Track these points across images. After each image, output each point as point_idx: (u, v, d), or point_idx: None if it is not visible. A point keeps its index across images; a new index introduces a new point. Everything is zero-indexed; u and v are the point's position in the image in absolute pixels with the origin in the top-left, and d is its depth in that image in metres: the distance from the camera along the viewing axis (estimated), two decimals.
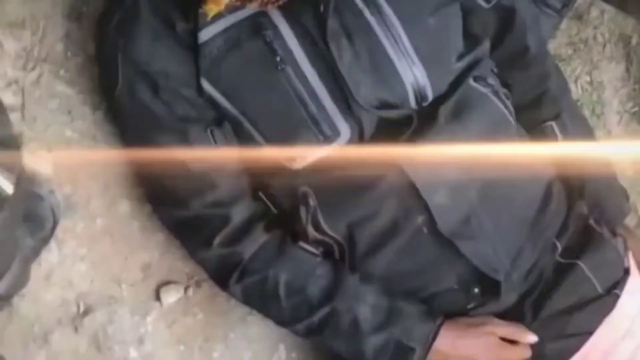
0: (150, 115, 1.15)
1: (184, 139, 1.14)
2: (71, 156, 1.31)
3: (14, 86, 1.29)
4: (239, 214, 1.17)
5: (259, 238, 1.18)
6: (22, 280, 1.22)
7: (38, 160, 1.29)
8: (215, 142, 1.14)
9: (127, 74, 1.14)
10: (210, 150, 1.14)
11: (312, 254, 1.18)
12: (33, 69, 1.30)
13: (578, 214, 1.27)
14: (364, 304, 1.18)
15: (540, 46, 1.30)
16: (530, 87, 1.29)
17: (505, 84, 1.26)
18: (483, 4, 1.21)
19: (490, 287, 1.18)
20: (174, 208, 1.20)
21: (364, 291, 1.18)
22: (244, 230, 1.18)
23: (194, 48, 1.11)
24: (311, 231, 1.17)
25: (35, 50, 1.30)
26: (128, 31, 1.13)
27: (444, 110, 1.14)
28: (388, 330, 1.17)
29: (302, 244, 1.18)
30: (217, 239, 1.17)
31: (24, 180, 0.88)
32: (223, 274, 1.20)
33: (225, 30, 1.10)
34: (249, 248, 1.17)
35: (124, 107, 1.18)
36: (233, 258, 1.18)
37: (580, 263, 1.22)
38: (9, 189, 0.84)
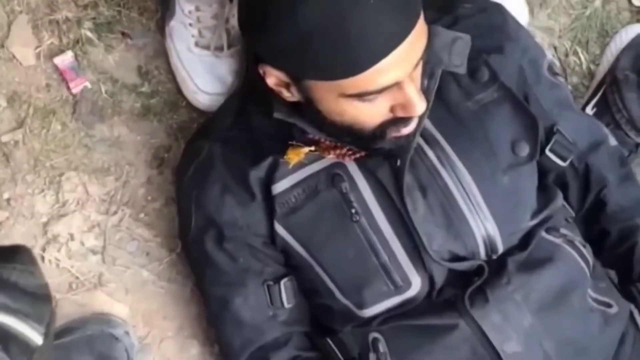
0: (212, 266, 1.19)
1: (241, 293, 1.17)
2: (147, 297, 1.34)
3: (96, 229, 1.35)
4: (280, 358, 1.19)
5: None
6: None
7: (115, 301, 1.33)
8: (270, 296, 1.18)
9: (199, 223, 1.19)
10: (264, 304, 1.17)
11: None
12: (115, 213, 1.36)
13: None
14: None
15: (627, 201, 1.25)
16: (615, 242, 1.25)
17: (589, 240, 1.24)
18: (560, 162, 1.22)
19: None
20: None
21: None
22: None
23: (266, 196, 1.15)
24: None
25: (118, 194, 1.36)
26: (200, 182, 1.19)
27: (516, 260, 1.14)
28: None
29: None
30: None
31: (52, 332, 0.88)
32: None
33: (304, 180, 1.13)
34: None
35: (193, 254, 1.23)
36: None
37: None
38: (38, 340, 0.84)
